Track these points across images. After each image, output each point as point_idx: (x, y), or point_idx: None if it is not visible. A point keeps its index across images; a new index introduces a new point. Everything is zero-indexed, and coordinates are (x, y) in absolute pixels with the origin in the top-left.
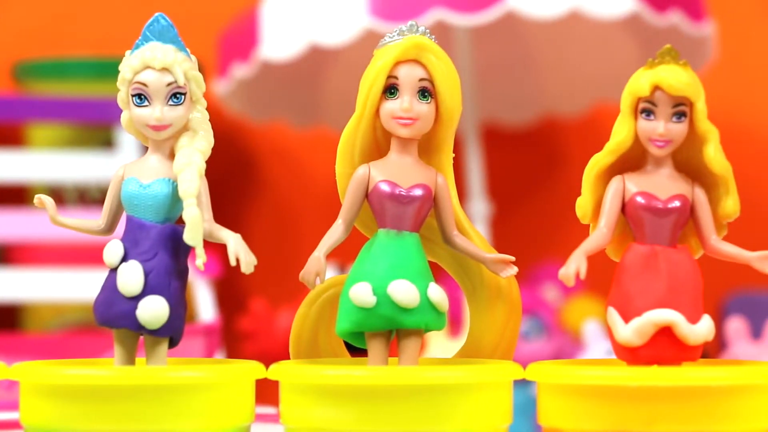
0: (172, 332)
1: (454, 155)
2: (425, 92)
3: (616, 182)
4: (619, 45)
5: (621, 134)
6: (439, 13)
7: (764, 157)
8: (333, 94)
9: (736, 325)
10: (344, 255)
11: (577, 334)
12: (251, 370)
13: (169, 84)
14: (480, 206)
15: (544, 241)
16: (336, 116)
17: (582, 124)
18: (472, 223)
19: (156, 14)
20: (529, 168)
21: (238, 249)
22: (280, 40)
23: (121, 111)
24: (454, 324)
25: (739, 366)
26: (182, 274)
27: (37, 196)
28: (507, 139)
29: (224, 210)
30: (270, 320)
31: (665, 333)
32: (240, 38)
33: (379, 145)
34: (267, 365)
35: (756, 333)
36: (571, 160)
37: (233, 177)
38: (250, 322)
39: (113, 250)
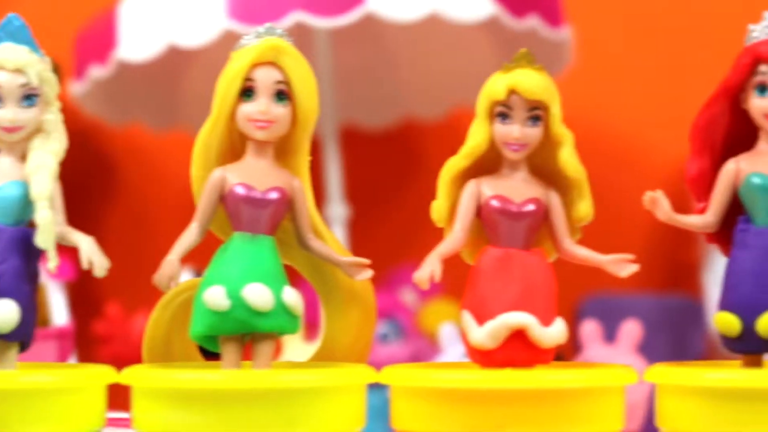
0: (22, 336)
1: (310, 158)
2: (282, 95)
3: (471, 186)
4: (478, 49)
5: (477, 138)
6: (299, 16)
7: (619, 161)
8: (191, 96)
9: (590, 328)
10: (201, 258)
11: (434, 337)
12: (102, 374)
13: (22, 85)
14: (339, 209)
15: (402, 244)
16: (194, 118)
17: (441, 127)
18: (331, 226)
19: (9, 14)
20: (388, 171)
21: (90, 252)
22: (137, 41)
23: None
24: (311, 327)
25: (591, 369)
26: (33, 278)
27: None
28: (366, 142)
29: (79, 213)
30: (125, 324)
31: (518, 336)
32: (97, 39)
33: (235, 147)
34: (122, 369)
35: (610, 335)
36: (430, 164)
37: (89, 179)
38: (104, 326)
39: None
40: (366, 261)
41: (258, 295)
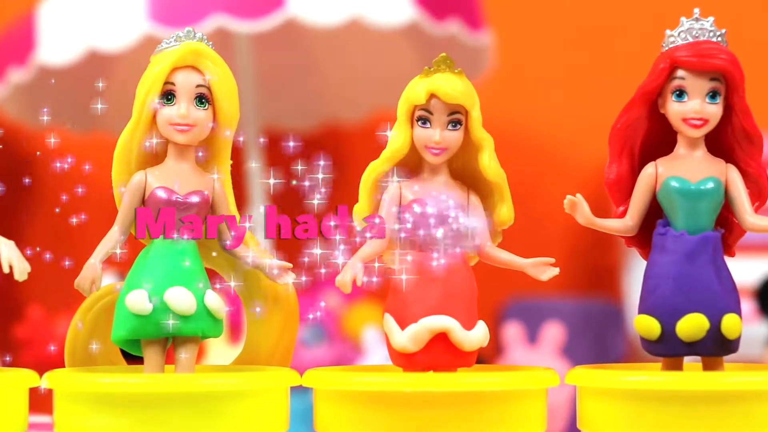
0: None
1: (231, 162)
2: (202, 98)
3: (392, 189)
4: (399, 53)
5: (398, 141)
6: (220, 19)
7: (539, 165)
8: (112, 100)
9: (513, 331)
10: (125, 262)
11: (358, 340)
12: (24, 378)
13: None
14: (261, 212)
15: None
16: (115, 122)
17: (363, 130)
18: (254, 230)
19: None
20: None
21: (11, 256)
22: (57, 45)
23: None
24: (235, 330)
25: (513, 371)
26: None
27: None
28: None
29: None
30: (47, 328)
31: (440, 339)
32: (17, 42)
33: (155, 151)
34: (44, 373)
35: (532, 338)
36: (352, 167)
37: (9, 183)
38: (26, 330)
39: None
40: (289, 265)
41: (180, 298)
